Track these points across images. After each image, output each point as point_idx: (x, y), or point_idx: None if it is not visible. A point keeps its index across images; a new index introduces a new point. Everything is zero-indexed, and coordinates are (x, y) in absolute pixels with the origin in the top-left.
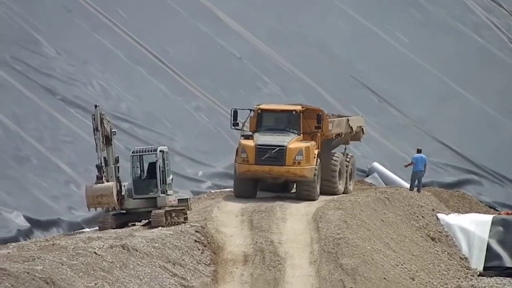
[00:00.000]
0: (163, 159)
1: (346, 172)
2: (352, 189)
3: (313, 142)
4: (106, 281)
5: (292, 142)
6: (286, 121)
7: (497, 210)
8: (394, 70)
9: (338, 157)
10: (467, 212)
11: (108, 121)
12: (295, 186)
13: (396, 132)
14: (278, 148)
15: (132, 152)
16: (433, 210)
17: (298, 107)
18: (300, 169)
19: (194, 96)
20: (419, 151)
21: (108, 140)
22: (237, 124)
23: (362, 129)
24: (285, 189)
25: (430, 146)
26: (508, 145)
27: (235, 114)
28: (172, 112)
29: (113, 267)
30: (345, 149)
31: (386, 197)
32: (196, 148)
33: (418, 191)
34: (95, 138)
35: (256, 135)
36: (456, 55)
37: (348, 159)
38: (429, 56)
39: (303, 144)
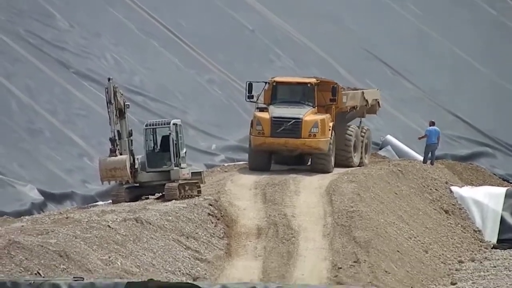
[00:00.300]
0: (177, 132)
1: (362, 144)
2: (367, 162)
3: (328, 115)
4: (119, 254)
5: (307, 114)
6: (301, 93)
7: (510, 183)
8: (408, 43)
9: (353, 130)
10: (481, 185)
11: (122, 94)
12: (310, 158)
13: (409, 104)
14: (293, 120)
15: (146, 125)
16: (446, 182)
17: (313, 80)
18: (316, 141)
19: (207, 69)
20: (432, 123)
21: (121, 113)
22: (252, 97)
23: (378, 102)
24: (301, 162)
25: (444, 118)
26: None
27: (250, 86)
28: (185, 85)
29: (126, 240)
30: (360, 122)
31: (399, 170)
32: (209, 121)
33: (432, 163)
34: (108, 111)
35: (271, 107)
36: (469, 27)
37: (364, 132)
38: (443, 28)
39: (318, 117)
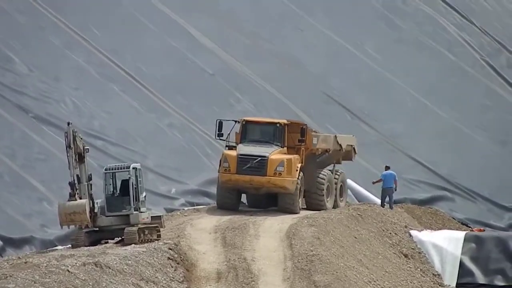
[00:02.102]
0: (136, 176)
1: (336, 188)
2: (343, 205)
3: (296, 156)
4: None
5: (274, 153)
6: (271, 133)
7: (469, 227)
8: (367, 87)
9: (325, 174)
10: (440, 229)
11: (81, 139)
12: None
13: (368, 148)
14: (259, 158)
15: (105, 170)
16: (405, 226)
17: (283, 120)
18: (281, 180)
19: (167, 113)
20: (387, 168)
21: (81, 158)
22: (222, 135)
23: (354, 148)
24: (275, 204)
25: (403, 162)
26: (480, 162)
27: (220, 125)
28: (145, 129)
29: (86, 285)
30: (333, 166)
31: (359, 214)
32: (169, 165)
33: (391, 207)
34: (67, 156)
35: (239, 146)
36: (429, 72)
37: (337, 176)
38: (402, 73)
39: (284, 156)
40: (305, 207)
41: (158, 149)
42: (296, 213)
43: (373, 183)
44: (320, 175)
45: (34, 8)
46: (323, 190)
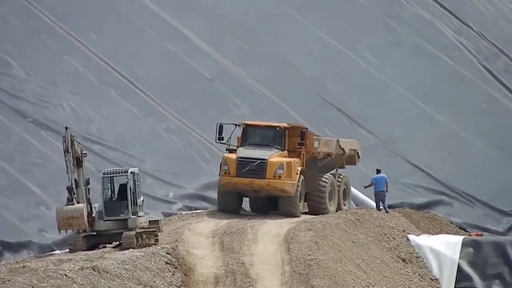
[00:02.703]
0: (134, 181)
1: (339, 192)
2: (347, 209)
3: (296, 159)
4: None
5: (273, 156)
6: (271, 137)
7: (467, 231)
8: (365, 91)
9: (327, 178)
10: (438, 233)
11: (79, 143)
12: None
13: (366, 153)
14: (259, 161)
15: (103, 174)
16: (403, 231)
17: (284, 124)
18: (281, 183)
19: (164, 117)
20: (378, 171)
21: (78, 162)
22: (222, 139)
23: (358, 152)
24: (276, 209)
25: (401, 167)
26: (477, 166)
27: (220, 128)
28: (143, 134)
29: None
30: (336, 170)
31: (357, 218)
32: (167, 169)
33: (386, 211)
34: (65, 160)
35: (239, 149)
36: (426, 77)
37: (340, 179)
38: (400, 77)
39: (284, 159)
40: (307, 211)
41: (156, 154)
42: (297, 217)
43: (365, 187)
44: (322, 179)
45: (31, 12)
46: (325, 193)
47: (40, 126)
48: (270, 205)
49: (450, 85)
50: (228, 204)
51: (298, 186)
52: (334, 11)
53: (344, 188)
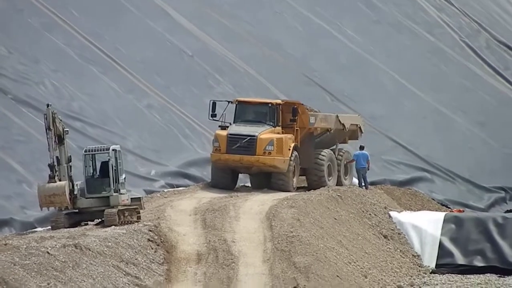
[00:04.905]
0: (116, 158)
1: (339, 167)
2: (348, 183)
3: (289, 135)
4: (59, 281)
5: (264, 132)
6: (263, 113)
7: (449, 208)
8: (348, 69)
9: (325, 154)
10: (419, 210)
11: (60, 120)
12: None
13: None
14: (248, 137)
15: (85, 151)
16: (385, 208)
17: (277, 101)
18: (271, 159)
19: (146, 94)
20: (362, 147)
21: (60, 139)
22: (215, 115)
23: (360, 128)
24: None
25: (383, 144)
26: (459, 143)
27: (213, 105)
28: (124, 111)
29: (65, 267)
30: (336, 145)
31: (338, 195)
32: (149, 146)
33: (366, 187)
34: (47, 138)
35: (231, 126)
36: (409, 54)
37: (341, 155)
38: (382, 54)
39: (275, 135)
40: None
41: (137, 131)
42: (290, 191)
43: (346, 163)
44: (320, 155)
45: None
46: (323, 168)
47: (22, 103)
48: (269, 181)
49: (432, 62)
50: (221, 180)
51: (291, 161)
52: None
53: (345, 163)
